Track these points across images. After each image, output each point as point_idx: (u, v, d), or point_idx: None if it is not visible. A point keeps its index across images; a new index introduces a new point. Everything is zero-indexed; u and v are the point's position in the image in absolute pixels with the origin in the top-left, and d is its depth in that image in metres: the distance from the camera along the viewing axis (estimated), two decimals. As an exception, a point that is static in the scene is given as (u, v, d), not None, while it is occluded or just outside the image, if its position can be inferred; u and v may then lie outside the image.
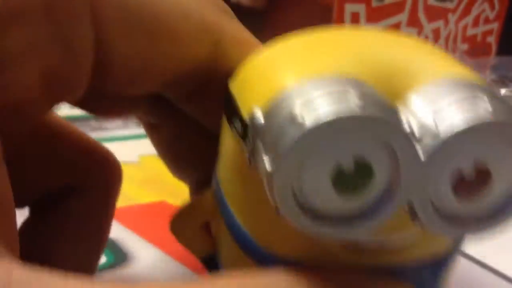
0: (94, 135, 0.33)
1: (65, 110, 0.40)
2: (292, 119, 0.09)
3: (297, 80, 0.10)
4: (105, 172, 0.18)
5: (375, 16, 0.32)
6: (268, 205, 0.10)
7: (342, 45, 0.11)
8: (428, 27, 0.35)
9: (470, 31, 0.38)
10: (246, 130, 0.11)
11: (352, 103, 0.09)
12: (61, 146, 0.17)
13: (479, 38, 0.39)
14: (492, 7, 0.39)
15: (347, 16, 0.30)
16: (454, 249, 0.13)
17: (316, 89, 0.10)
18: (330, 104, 0.09)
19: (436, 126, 0.10)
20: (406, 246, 0.12)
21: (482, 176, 0.10)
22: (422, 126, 0.10)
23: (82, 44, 0.13)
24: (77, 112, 0.40)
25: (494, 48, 0.41)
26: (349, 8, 0.30)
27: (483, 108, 0.10)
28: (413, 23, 0.34)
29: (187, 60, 0.14)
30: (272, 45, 0.12)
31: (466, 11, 0.37)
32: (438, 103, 0.10)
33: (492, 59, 0.39)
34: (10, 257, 0.10)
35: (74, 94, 0.14)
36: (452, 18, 0.36)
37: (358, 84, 0.10)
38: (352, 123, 0.09)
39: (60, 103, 0.14)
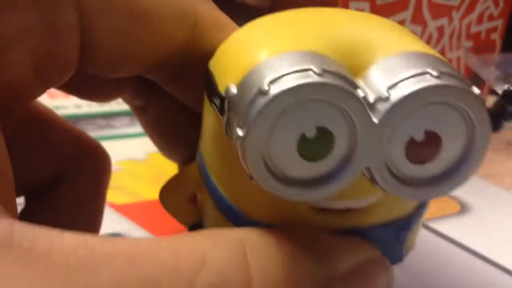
0: (102, 133, 0.34)
1: (71, 109, 0.41)
2: (260, 91, 0.11)
3: (265, 57, 0.11)
4: (94, 160, 0.19)
5: (379, 13, 0.32)
6: (244, 173, 0.11)
7: (308, 24, 0.13)
8: (432, 24, 0.35)
9: (474, 28, 0.38)
10: (223, 104, 0.12)
11: (312, 74, 0.11)
12: (51, 135, 0.18)
13: (483, 35, 0.39)
14: (496, 4, 0.39)
15: (351, 14, 0.31)
16: (416, 213, 0.14)
17: (281, 64, 0.11)
18: (293, 77, 0.11)
19: (389, 93, 0.11)
20: (370, 209, 0.13)
21: (433, 141, 0.11)
22: (377, 94, 0.11)
23: (68, 28, 0.14)
24: (84, 110, 0.41)
25: (498, 45, 0.41)
26: (353, 5, 0.30)
27: (432, 76, 0.11)
28: (417, 20, 0.34)
29: (167, 43, 0.15)
30: (246, 26, 0.13)
31: (470, 8, 0.37)
32: (393, 75, 0.11)
33: (497, 56, 0.40)
34: (8, 216, 0.10)
35: (62, 76, 0.14)
36: (456, 15, 0.37)
37: (319, 57, 0.11)
38: (311, 90, 0.11)
39: (51, 85, 0.15)
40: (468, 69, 0.40)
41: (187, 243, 0.11)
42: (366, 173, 0.12)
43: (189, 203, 0.16)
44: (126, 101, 0.19)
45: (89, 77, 0.16)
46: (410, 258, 0.21)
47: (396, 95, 0.11)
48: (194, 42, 0.16)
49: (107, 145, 0.32)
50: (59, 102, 0.39)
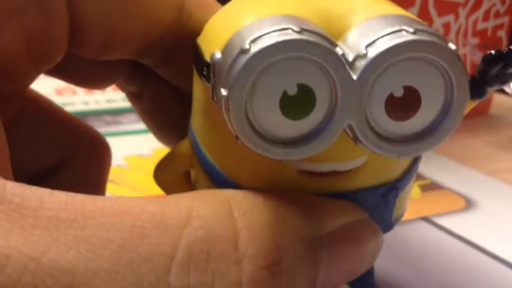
0: (109, 129, 0.34)
1: (79, 106, 0.41)
2: (242, 50, 0.11)
3: (248, 22, 0.12)
4: (93, 148, 0.19)
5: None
6: (232, 139, 0.12)
7: None
8: (439, 21, 0.35)
9: (481, 25, 0.38)
10: (209, 71, 0.12)
11: (291, 32, 0.11)
12: (50, 123, 0.18)
13: (489, 32, 0.39)
14: (503, 1, 0.39)
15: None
16: (403, 178, 0.14)
17: (262, 25, 0.11)
18: (273, 36, 0.11)
19: (367, 50, 0.11)
20: (356, 172, 0.13)
21: (413, 98, 0.12)
22: (356, 53, 0.11)
23: (56, 9, 0.14)
24: (91, 107, 0.41)
25: (504, 42, 0.41)
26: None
27: (408, 32, 0.11)
28: (423, 17, 0.34)
29: (155, 24, 0.16)
30: (230, 2, 0.14)
31: (477, 5, 0.37)
32: (371, 34, 0.11)
33: (503, 53, 0.39)
34: (1, 176, 0.11)
35: (53, 59, 0.15)
36: (462, 12, 0.37)
37: (299, 20, 0.12)
38: (291, 47, 0.11)
39: (42, 69, 0.15)
40: (474, 66, 0.39)
41: (173, 200, 0.11)
42: (348, 132, 0.12)
43: (182, 180, 0.16)
44: (121, 87, 0.19)
45: (83, 63, 0.16)
46: (415, 254, 0.22)
47: (373, 51, 0.11)
48: (181, 23, 0.16)
49: (114, 141, 0.32)
50: (66, 99, 0.39)
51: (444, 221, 0.25)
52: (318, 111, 0.12)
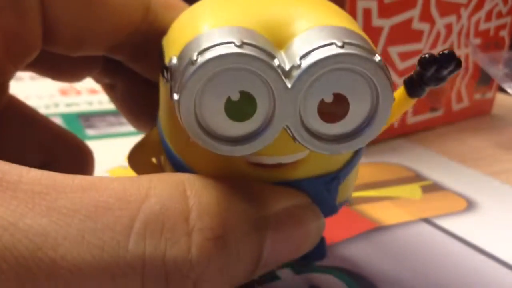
0: (112, 130, 0.34)
1: (83, 106, 0.41)
2: (190, 61, 0.13)
3: (199, 32, 0.13)
4: (74, 153, 0.21)
5: (387, 12, 0.32)
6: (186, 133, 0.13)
7: (243, 3, 0.15)
8: (441, 22, 0.35)
9: (483, 26, 0.38)
10: (167, 74, 0.14)
11: (233, 46, 0.13)
12: (31, 128, 0.20)
13: (491, 33, 0.39)
14: (505, 1, 0.39)
15: (359, 11, 0.31)
16: (344, 168, 0.16)
17: (210, 38, 0.13)
18: (217, 49, 0.13)
19: (301, 62, 0.13)
20: (299, 164, 0.15)
21: (342, 103, 0.13)
22: (292, 64, 0.13)
23: (32, 9, 0.15)
24: (95, 107, 0.41)
25: (507, 42, 0.41)
26: (361, 4, 0.30)
27: (337, 46, 0.13)
28: (425, 18, 0.34)
29: (123, 24, 0.17)
30: (192, 6, 0.16)
31: (479, 6, 0.37)
32: (306, 46, 0.13)
33: (505, 53, 0.39)
34: None
35: (30, 54, 0.16)
36: (464, 12, 0.37)
37: (244, 32, 0.13)
38: (232, 60, 0.12)
39: (19, 65, 0.16)
40: (476, 66, 0.39)
41: (134, 181, 0.13)
42: (287, 131, 0.13)
43: (154, 165, 0.18)
44: (96, 79, 0.21)
45: (57, 58, 0.18)
46: (416, 256, 0.22)
47: (306, 63, 0.13)
48: (148, 22, 0.18)
49: (117, 142, 0.32)
50: (71, 99, 0.39)
51: (445, 223, 0.25)
52: (259, 114, 0.13)
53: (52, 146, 0.20)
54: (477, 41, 0.39)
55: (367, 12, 0.31)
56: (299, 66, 0.13)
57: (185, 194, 0.13)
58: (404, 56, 0.34)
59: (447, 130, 0.38)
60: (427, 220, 0.25)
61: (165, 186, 0.13)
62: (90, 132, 0.33)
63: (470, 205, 0.27)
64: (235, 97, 0.13)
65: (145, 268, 0.12)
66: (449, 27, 0.36)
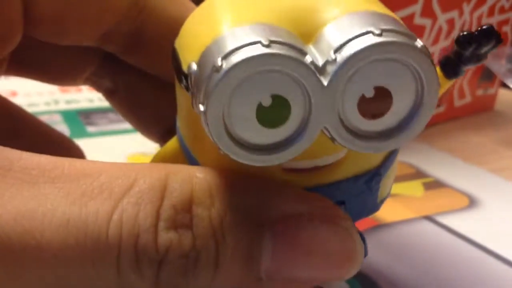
0: (112, 127, 0.34)
1: (84, 103, 0.41)
2: (214, 67, 0.11)
3: (220, 34, 0.12)
4: (64, 152, 0.21)
5: (389, 7, 0.32)
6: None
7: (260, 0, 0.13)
8: (443, 17, 0.35)
9: (485, 21, 0.38)
10: (187, 82, 0.13)
11: (260, 46, 0.11)
12: (21, 128, 0.19)
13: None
14: (508, -4, 0.39)
15: (360, 8, 0.30)
16: (385, 163, 0.15)
17: (233, 39, 0.12)
18: (243, 50, 0.11)
19: (335, 56, 0.11)
20: (338, 165, 0.14)
21: (384, 96, 0.12)
22: (325, 58, 0.12)
23: None
24: (95, 104, 0.41)
25: (510, 37, 0.40)
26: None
27: (374, 34, 0.11)
28: (427, 13, 0.34)
29: (108, 9, 0.17)
30: (204, 3, 0.14)
31: (481, 1, 0.37)
32: (339, 37, 0.12)
33: (508, 48, 0.39)
34: None
35: (12, 39, 0.16)
36: (466, 8, 0.36)
37: (268, 29, 0.12)
38: (260, 61, 0.11)
39: (3, 50, 0.16)
40: (479, 62, 0.39)
41: (123, 172, 0.13)
42: (325, 132, 0.12)
43: None
44: (96, 87, 0.20)
45: (38, 44, 0.17)
46: (418, 253, 0.21)
47: (341, 57, 0.11)
48: (138, 10, 0.17)
49: (117, 139, 0.32)
50: (71, 96, 0.39)
51: (447, 220, 0.24)
52: (294, 118, 0.12)
53: (41, 146, 0.20)
54: (480, 36, 0.38)
55: (368, 8, 0.31)
56: (334, 60, 0.11)
57: (165, 186, 0.13)
58: (406, 52, 0.34)
59: (449, 126, 0.38)
60: (429, 218, 0.25)
61: (148, 180, 0.13)
62: (90, 129, 0.33)
63: (472, 202, 0.26)
64: (267, 102, 0.12)
65: (120, 253, 0.12)
66: (451, 23, 0.36)
